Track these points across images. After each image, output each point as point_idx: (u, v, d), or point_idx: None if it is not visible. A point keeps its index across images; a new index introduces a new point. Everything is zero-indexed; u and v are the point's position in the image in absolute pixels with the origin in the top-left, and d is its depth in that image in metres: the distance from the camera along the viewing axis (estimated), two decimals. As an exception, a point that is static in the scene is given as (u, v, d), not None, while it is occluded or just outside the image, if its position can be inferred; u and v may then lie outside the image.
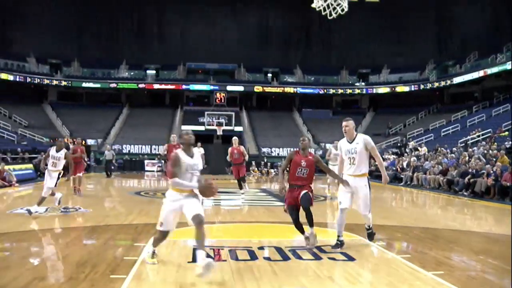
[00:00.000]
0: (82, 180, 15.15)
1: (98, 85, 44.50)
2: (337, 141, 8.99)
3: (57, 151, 10.46)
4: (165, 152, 12.65)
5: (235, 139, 14.53)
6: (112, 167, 26.51)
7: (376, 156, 6.83)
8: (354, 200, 6.74)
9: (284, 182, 6.82)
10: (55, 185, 10.29)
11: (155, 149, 36.27)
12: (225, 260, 5.89)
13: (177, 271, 5.41)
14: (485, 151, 20.45)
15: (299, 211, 6.66)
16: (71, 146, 16.82)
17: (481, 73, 37.47)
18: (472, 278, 5.38)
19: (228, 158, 14.51)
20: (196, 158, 5.51)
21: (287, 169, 6.85)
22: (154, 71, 47.12)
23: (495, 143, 22.22)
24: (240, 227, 8.88)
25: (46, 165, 10.43)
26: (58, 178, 10.40)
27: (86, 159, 16.96)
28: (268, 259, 6.04)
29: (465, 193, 16.58)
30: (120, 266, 5.54)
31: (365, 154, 6.68)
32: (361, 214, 6.88)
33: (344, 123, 6.78)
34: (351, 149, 6.66)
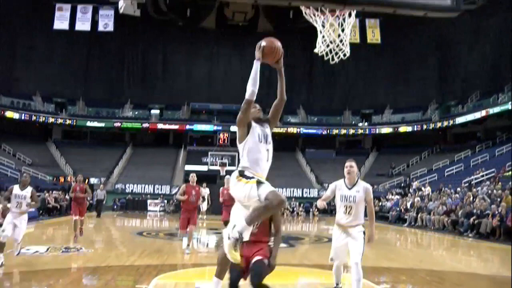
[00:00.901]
0: (83, 222, 13.01)
1: (102, 124, 44.81)
2: None
3: (22, 188, 8.66)
4: (182, 195, 10.58)
5: (227, 179, 12.21)
6: (115, 207, 26.34)
7: (370, 212, 6.05)
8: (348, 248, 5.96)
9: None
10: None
11: (158, 188, 36.24)
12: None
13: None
14: (490, 191, 20.33)
15: (242, 272, 4.81)
16: (73, 184, 15.63)
17: (483, 113, 37.54)
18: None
19: (220, 199, 13.20)
20: (266, 128, 4.93)
21: None
22: (158, 111, 47.44)
23: (500, 183, 22.11)
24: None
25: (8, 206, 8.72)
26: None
27: (89, 199, 15.75)
28: (271, 302, 5.93)
29: (470, 235, 16.42)
30: (120, 309, 5.46)
31: (363, 204, 6.00)
32: (351, 264, 5.75)
33: (348, 163, 6.10)
34: (349, 197, 5.94)
